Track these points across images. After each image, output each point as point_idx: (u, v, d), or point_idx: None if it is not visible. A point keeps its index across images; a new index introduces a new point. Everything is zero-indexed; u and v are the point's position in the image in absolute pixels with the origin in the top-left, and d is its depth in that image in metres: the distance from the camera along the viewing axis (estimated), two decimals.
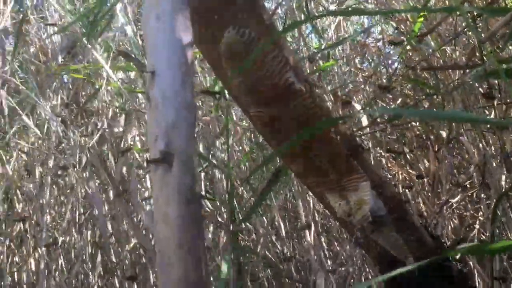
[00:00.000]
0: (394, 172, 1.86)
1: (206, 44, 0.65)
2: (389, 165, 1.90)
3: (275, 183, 0.85)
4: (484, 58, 0.80)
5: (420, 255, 0.81)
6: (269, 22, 0.63)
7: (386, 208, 0.75)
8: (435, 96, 1.30)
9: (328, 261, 1.57)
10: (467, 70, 0.94)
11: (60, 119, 1.39)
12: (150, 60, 0.50)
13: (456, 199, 1.38)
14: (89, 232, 1.45)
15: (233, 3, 0.61)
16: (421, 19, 0.89)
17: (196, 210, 0.46)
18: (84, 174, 1.42)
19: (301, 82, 0.65)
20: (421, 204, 1.65)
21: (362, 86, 1.96)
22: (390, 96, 1.70)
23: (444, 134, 1.36)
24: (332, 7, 1.57)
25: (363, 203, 0.74)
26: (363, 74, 2.10)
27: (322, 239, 1.68)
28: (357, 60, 2.11)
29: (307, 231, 1.37)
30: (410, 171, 1.73)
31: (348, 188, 0.74)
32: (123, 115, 1.36)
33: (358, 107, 1.35)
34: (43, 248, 1.30)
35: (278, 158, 0.95)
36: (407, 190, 1.66)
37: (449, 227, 1.53)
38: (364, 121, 1.23)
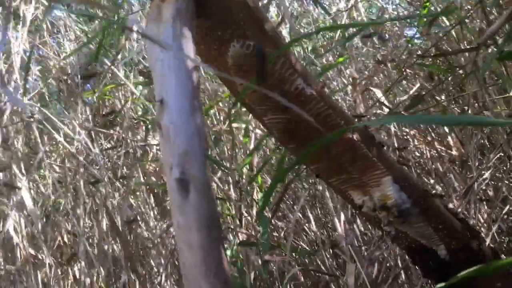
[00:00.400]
0: (422, 150, 1.83)
1: (213, 60, 0.65)
2: (416, 142, 1.88)
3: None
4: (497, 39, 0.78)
5: (451, 242, 0.81)
6: (271, 32, 0.63)
7: (410, 200, 0.75)
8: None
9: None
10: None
11: (85, 132, 1.43)
12: (157, 89, 0.50)
13: (486, 174, 1.36)
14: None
15: (234, 18, 0.61)
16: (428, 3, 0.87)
17: (217, 234, 0.47)
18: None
19: (311, 87, 0.65)
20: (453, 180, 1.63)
21: (382, 65, 1.93)
22: (410, 75, 1.67)
23: (470, 111, 1.34)
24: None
25: (387, 199, 0.73)
26: (382, 53, 2.07)
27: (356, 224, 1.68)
28: (375, 39, 2.08)
29: (336, 219, 1.38)
30: (439, 147, 1.71)
31: (370, 184, 0.74)
32: (144, 126, 1.39)
33: (378, 92, 1.34)
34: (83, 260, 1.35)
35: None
36: (436, 167, 1.64)
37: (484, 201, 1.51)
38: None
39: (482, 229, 1.39)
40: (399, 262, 1.48)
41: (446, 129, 1.60)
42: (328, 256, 1.67)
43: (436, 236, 0.80)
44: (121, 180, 1.40)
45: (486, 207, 1.52)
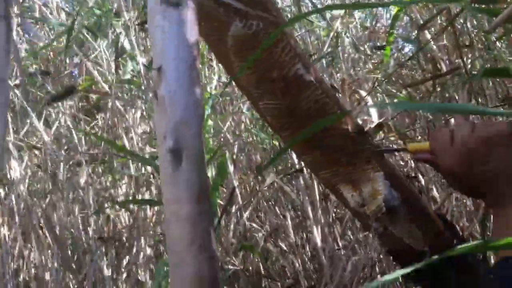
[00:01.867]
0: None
1: (213, 38, 0.64)
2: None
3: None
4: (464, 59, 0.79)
5: (436, 245, 0.80)
6: (275, 12, 0.62)
7: (400, 198, 0.74)
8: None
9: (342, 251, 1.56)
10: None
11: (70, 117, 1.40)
12: (156, 57, 0.49)
13: None
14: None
15: None
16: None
17: (206, 207, 0.46)
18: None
19: (310, 74, 0.64)
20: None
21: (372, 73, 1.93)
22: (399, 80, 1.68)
23: None
24: None
25: (376, 194, 0.73)
26: (373, 61, 2.07)
27: (335, 229, 1.68)
28: (366, 46, 2.09)
29: (314, 226, 1.37)
30: None
31: (362, 178, 0.73)
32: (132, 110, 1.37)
33: (365, 95, 1.34)
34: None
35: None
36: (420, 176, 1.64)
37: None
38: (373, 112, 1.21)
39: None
40: (376, 267, 1.47)
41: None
42: (307, 259, 1.67)
43: (421, 237, 0.79)
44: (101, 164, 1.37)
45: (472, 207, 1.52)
